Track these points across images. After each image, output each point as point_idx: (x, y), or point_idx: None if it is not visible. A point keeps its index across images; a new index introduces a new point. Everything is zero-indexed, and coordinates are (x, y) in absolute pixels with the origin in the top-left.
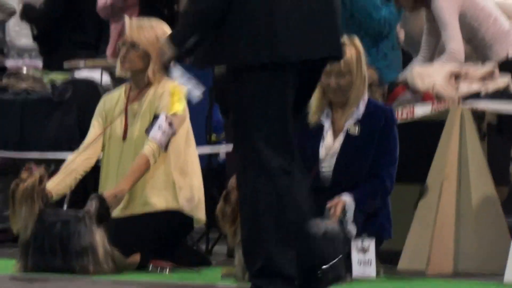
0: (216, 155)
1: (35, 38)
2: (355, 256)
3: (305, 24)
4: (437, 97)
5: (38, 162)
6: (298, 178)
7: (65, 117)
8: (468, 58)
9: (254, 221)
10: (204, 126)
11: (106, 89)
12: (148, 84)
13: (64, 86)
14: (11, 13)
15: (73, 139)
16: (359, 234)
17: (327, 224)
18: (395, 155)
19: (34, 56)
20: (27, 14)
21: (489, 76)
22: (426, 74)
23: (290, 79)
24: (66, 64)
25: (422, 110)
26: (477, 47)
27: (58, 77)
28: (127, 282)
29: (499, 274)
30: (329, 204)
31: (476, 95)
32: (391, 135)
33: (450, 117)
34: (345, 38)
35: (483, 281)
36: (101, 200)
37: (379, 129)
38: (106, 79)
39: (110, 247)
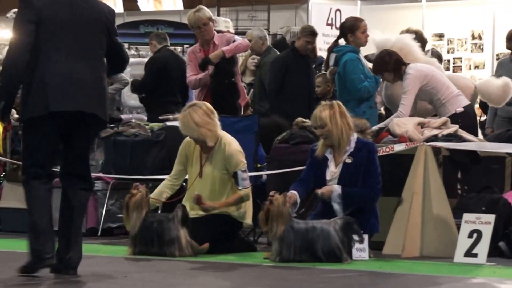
0: (260, 177)
1: (141, 100)
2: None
3: (69, 90)
4: (409, 139)
5: (142, 182)
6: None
7: (160, 152)
8: (430, 113)
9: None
10: (252, 158)
11: None
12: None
13: (159, 131)
14: (125, 84)
15: (165, 167)
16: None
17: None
18: (378, 173)
19: (140, 112)
20: (134, 86)
21: (444, 125)
22: (402, 123)
23: (58, 126)
24: (160, 118)
25: (399, 147)
26: (435, 106)
27: (155, 125)
28: (200, 262)
29: (451, 257)
30: (320, 190)
31: (435, 138)
32: (374, 161)
33: (417, 152)
34: (326, 103)
35: (440, 262)
36: (184, 208)
37: (365, 158)
38: None
39: (189, 238)
